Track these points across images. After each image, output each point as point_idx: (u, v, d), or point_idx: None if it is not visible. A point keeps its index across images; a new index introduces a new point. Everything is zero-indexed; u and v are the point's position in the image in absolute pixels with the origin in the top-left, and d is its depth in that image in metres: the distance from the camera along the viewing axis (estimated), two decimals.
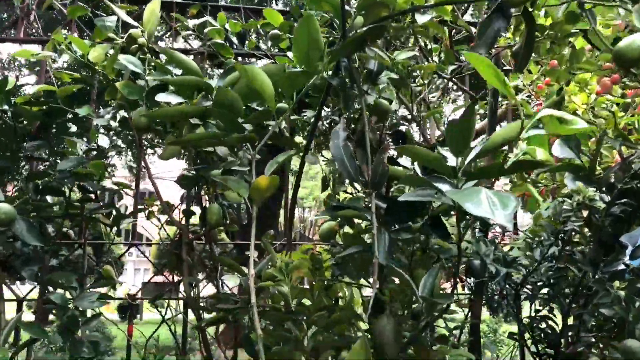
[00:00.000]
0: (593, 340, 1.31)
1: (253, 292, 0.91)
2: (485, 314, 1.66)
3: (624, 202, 1.16)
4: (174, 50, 1.50)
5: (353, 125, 1.47)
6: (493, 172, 1.01)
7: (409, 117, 1.77)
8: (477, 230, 1.40)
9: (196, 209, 1.68)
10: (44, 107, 1.61)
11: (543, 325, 1.38)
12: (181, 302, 2.07)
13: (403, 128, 1.59)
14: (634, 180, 1.18)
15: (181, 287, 1.91)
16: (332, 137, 1.06)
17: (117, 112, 1.55)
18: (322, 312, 1.09)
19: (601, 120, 1.83)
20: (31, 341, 1.34)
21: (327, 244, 1.78)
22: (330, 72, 1.21)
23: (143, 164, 1.71)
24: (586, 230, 1.27)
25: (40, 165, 2.89)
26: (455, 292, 1.17)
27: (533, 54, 1.54)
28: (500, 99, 1.78)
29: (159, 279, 1.86)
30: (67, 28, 5.16)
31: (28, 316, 1.44)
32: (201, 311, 1.45)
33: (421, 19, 1.37)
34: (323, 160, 1.74)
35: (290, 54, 1.70)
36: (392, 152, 1.16)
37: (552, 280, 1.25)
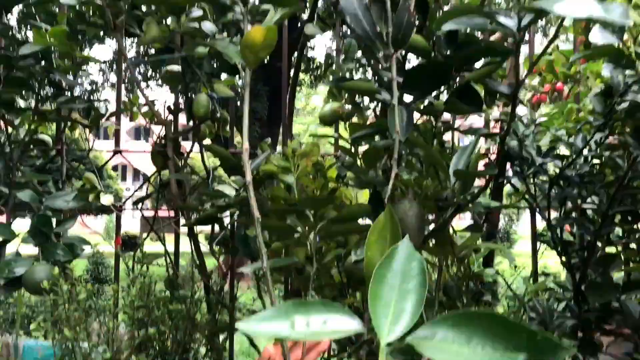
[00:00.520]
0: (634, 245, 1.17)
1: (248, 169, 0.74)
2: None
3: None
4: None
5: None
6: None
7: None
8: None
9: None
10: None
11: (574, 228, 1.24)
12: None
13: None
14: None
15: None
16: None
17: None
18: (328, 203, 0.93)
19: None
20: (1, 243, 1.20)
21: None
22: None
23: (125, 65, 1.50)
24: None
25: None
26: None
27: None
28: None
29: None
30: None
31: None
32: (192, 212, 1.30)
33: None
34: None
35: None
36: None
37: (593, 170, 1.09)
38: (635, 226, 1.22)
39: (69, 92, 1.53)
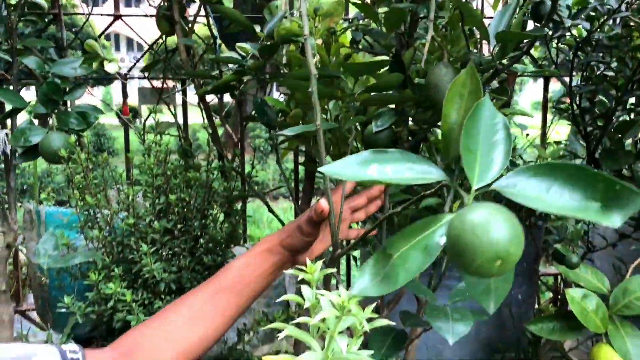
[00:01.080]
0: None
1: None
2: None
3: None
4: None
5: None
6: None
7: None
8: None
9: None
10: None
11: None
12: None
13: None
14: None
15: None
16: None
17: None
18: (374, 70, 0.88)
19: None
20: (13, 111, 1.18)
21: None
22: None
23: None
24: None
25: None
26: None
27: None
28: None
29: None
30: None
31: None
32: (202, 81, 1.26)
33: None
34: None
35: None
36: None
37: (622, 33, 1.04)
38: None
39: None
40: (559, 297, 1.65)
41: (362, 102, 0.86)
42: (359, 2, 0.91)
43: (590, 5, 0.96)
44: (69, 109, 1.25)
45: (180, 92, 1.66)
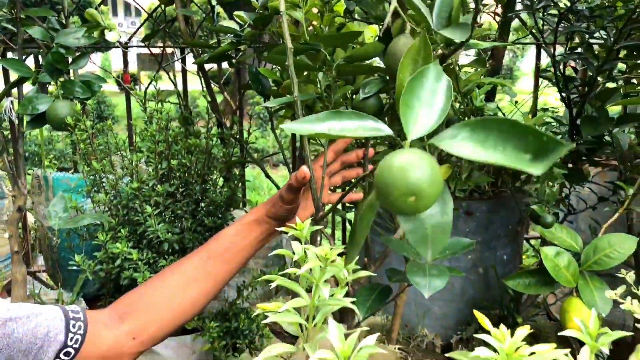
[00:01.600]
0: (635, 80, 1.21)
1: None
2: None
3: None
4: None
5: None
6: None
7: None
8: None
9: None
10: None
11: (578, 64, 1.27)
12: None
13: None
14: None
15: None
16: None
17: None
18: (349, 41, 0.93)
19: None
20: (19, 80, 1.23)
21: None
22: None
23: None
24: None
25: None
26: None
27: None
28: None
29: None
30: None
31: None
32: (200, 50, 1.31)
33: None
34: None
35: None
36: None
37: (605, 3, 1.08)
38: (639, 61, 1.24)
39: None
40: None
41: (339, 72, 0.91)
42: None
43: None
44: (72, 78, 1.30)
45: (180, 60, 1.70)
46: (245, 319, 1.19)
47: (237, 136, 1.53)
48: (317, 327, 0.63)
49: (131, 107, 1.80)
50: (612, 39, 1.11)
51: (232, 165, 1.36)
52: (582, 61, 1.16)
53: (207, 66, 1.43)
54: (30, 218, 2.03)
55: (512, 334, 0.49)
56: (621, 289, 0.75)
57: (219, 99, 1.56)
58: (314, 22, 1.11)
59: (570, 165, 1.27)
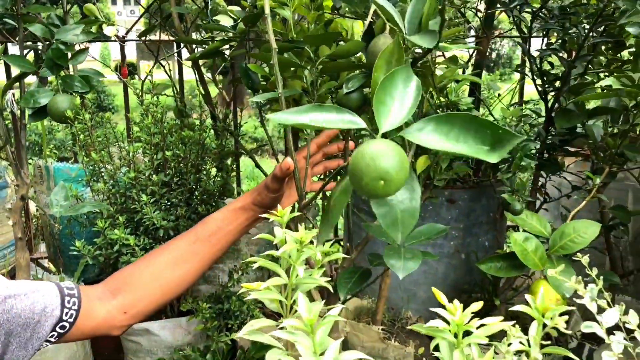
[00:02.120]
0: (606, 74, 1.26)
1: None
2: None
3: None
4: None
5: None
6: None
7: None
8: None
9: None
10: None
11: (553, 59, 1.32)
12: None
13: None
14: None
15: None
16: None
17: None
18: (329, 40, 0.99)
19: None
20: (21, 75, 1.29)
21: None
22: None
23: None
24: None
25: None
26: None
27: None
28: None
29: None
30: None
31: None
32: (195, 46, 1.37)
33: None
34: None
35: None
36: None
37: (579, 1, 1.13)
38: (617, 55, 1.30)
39: None
40: None
41: (322, 69, 0.97)
42: None
43: None
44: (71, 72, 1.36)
45: (176, 54, 1.76)
46: (237, 301, 1.27)
47: (231, 128, 1.60)
48: (296, 304, 0.70)
49: (129, 99, 1.86)
50: (582, 35, 1.17)
51: (224, 156, 1.42)
52: (556, 56, 1.22)
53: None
54: (33, 206, 2.10)
55: (489, 315, 0.56)
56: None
57: (216, 91, 1.62)
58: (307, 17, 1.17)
59: (546, 156, 1.34)
